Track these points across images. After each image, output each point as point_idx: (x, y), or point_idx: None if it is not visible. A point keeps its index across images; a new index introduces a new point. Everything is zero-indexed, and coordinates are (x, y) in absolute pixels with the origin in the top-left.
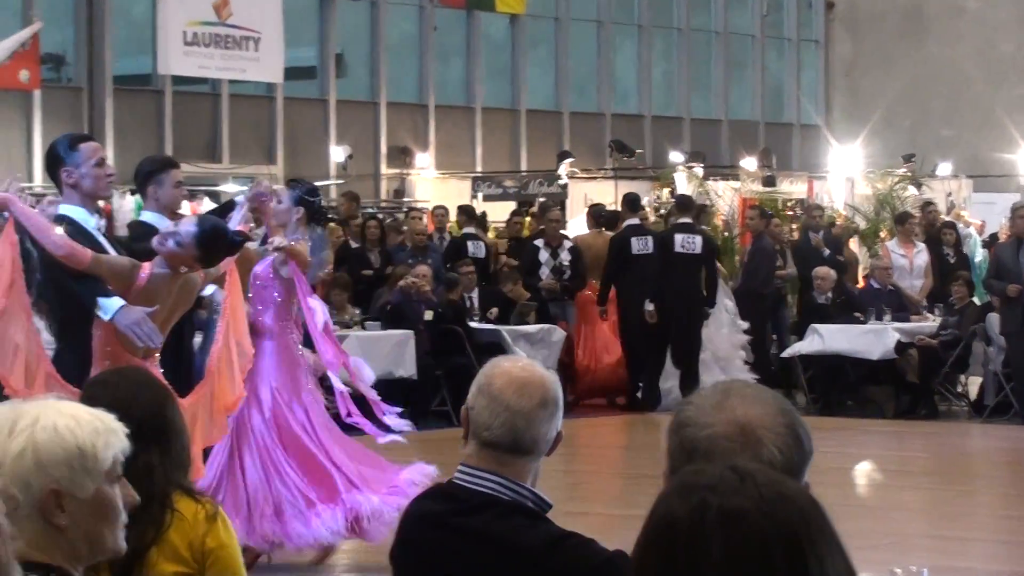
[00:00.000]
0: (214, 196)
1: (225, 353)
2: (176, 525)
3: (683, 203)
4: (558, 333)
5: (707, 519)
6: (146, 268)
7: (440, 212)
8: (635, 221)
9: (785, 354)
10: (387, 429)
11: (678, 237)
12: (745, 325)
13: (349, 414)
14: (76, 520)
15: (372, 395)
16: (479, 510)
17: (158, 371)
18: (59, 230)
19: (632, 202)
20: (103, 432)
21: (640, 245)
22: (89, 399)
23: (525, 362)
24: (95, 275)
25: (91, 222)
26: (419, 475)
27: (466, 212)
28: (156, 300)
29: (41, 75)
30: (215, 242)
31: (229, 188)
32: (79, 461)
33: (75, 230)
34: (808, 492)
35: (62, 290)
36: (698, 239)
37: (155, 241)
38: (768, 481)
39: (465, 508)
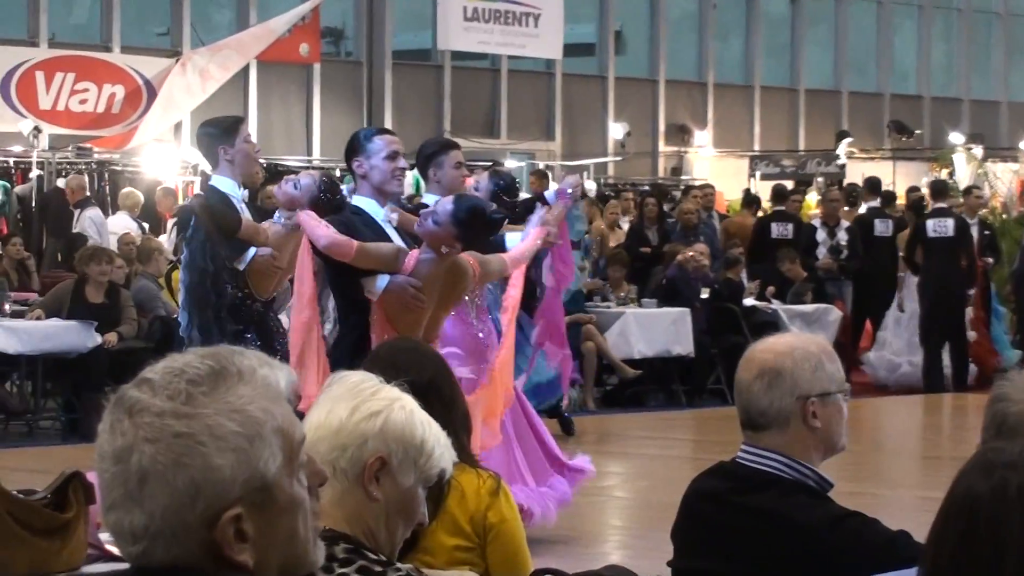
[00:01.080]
0: None
1: (507, 355)
2: (457, 498)
3: (938, 189)
4: (834, 313)
5: (1008, 496)
6: (413, 255)
7: (708, 192)
8: (875, 203)
9: None
10: None
11: (930, 223)
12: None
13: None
14: (387, 500)
15: None
16: (761, 488)
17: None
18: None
19: (873, 185)
20: (445, 445)
21: (882, 228)
22: (371, 361)
23: (777, 337)
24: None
25: (380, 214)
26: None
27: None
28: (425, 286)
29: (321, 49)
30: (473, 220)
31: (508, 164)
32: (416, 451)
33: (363, 221)
34: None
35: (340, 278)
36: (950, 222)
37: (417, 223)
38: None
39: (747, 487)
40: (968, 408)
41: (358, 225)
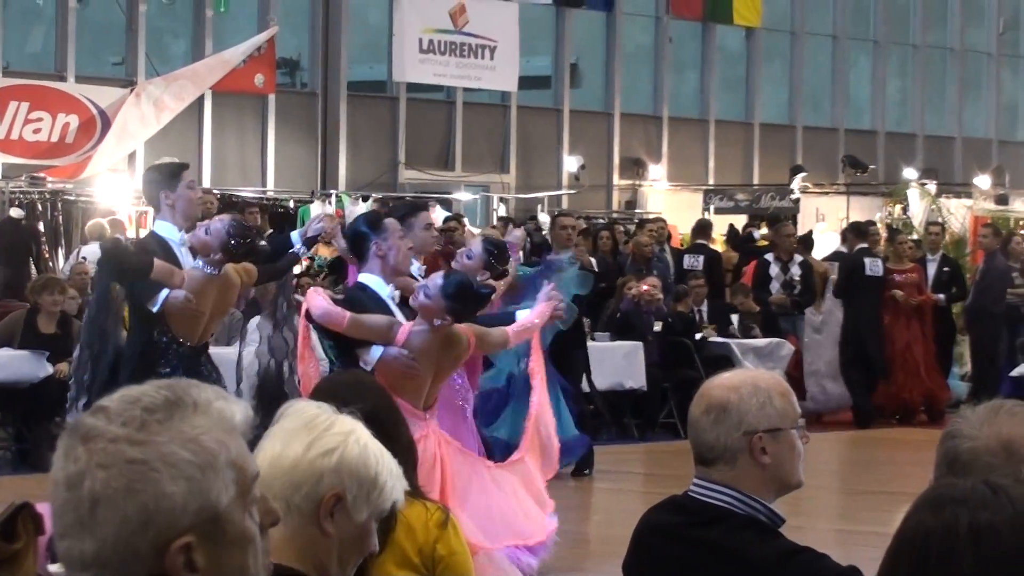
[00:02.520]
0: (446, 204)
1: (541, 411)
2: (405, 530)
3: (860, 230)
4: (787, 347)
5: (959, 534)
6: (406, 328)
7: (661, 225)
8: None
9: (1014, 373)
10: None
11: (867, 261)
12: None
13: None
14: (340, 537)
15: None
16: (712, 523)
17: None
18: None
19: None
20: (397, 476)
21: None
22: (313, 395)
23: (732, 373)
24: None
25: (386, 291)
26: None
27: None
28: (420, 356)
29: (276, 80)
30: (461, 295)
31: (461, 196)
32: (371, 486)
33: (368, 296)
34: None
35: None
36: (879, 263)
37: (411, 297)
38: (1021, 495)
39: (699, 521)
40: (905, 443)
41: (364, 300)
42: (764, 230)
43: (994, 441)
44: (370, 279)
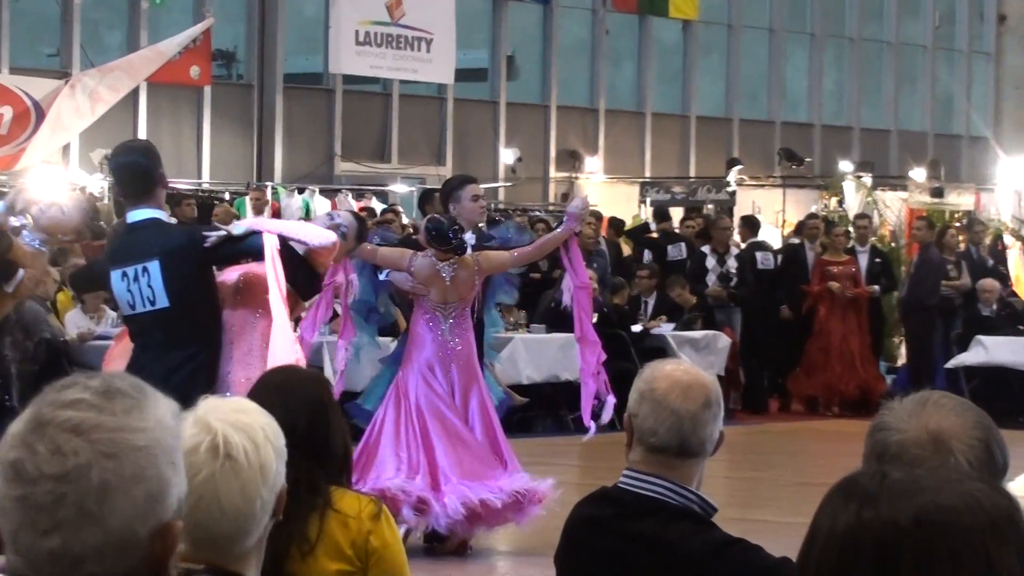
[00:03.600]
0: (382, 196)
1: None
2: (339, 523)
3: (752, 224)
4: (723, 340)
5: (841, 529)
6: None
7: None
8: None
9: (949, 365)
10: None
11: (759, 255)
12: None
13: None
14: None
15: None
16: (647, 515)
17: None
18: None
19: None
20: (275, 449)
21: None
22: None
23: (684, 365)
24: None
25: None
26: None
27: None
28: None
29: (212, 71)
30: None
31: (397, 188)
32: (280, 458)
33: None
34: (977, 500)
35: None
36: (770, 256)
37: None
38: (932, 487)
39: (632, 512)
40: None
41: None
42: (674, 221)
43: (922, 433)
44: None
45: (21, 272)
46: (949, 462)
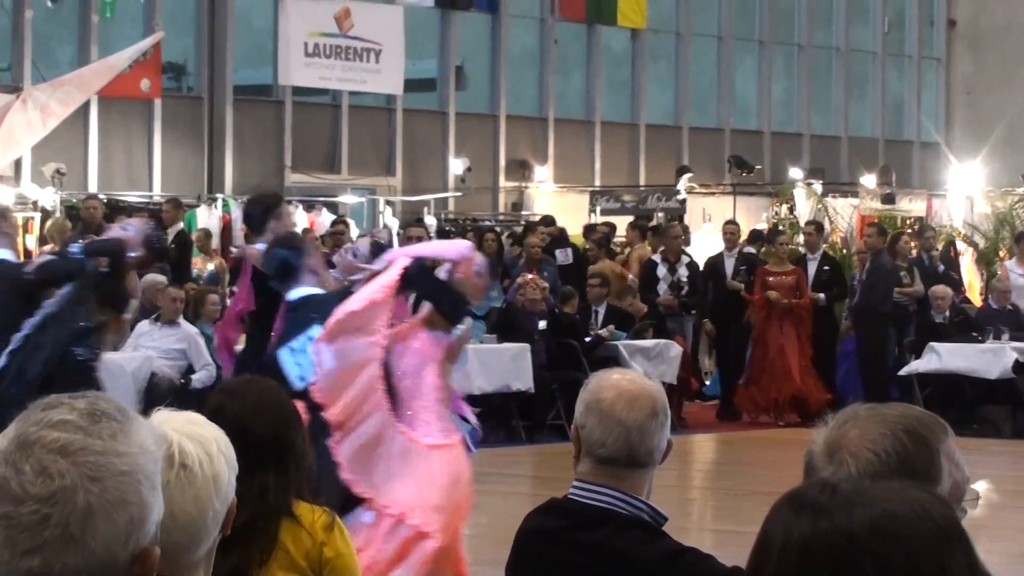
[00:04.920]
0: (332, 207)
1: None
2: (292, 534)
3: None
4: (675, 348)
5: (796, 540)
6: None
7: (552, 228)
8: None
9: (902, 372)
10: None
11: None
12: None
13: None
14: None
15: None
16: (597, 525)
17: None
18: None
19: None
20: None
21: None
22: (215, 409)
23: (630, 374)
24: None
25: None
26: None
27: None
28: None
29: (162, 84)
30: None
31: (347, 199)
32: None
33: None
34: (925, 508)
35: None
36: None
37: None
38: (881, 496)
39: (582, 523)
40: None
41: None
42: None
43: (824, 444)
44: None
45: (135, 300)
46: (840, 471)
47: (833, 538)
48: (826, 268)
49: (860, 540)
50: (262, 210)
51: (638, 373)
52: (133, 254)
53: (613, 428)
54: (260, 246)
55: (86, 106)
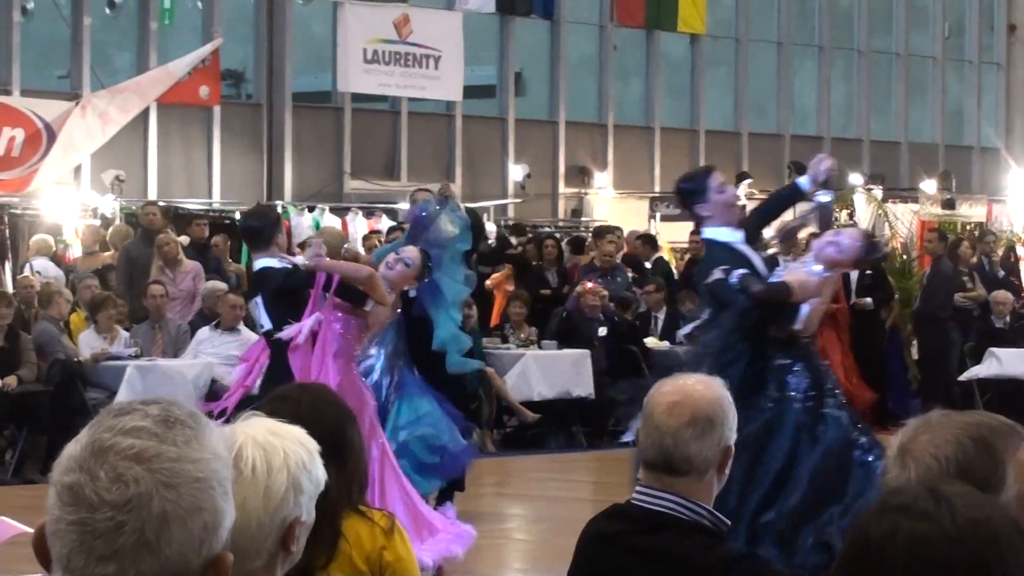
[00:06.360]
0: (391, 214)
1: None
2: (352, 540)
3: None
4: None
5: (896, 542)
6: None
7: (619, 235)
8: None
9: (962, 377)
10: None
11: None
12: None
13: None
14: (301, 543)
15: None
16: (658, 530)
17: None
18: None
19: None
20: (318, 458)
21: None
22: (272, 413)
23: (689, 381)
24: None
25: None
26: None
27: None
28: None
29: (221, 91)
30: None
31: (407, 206)
32: (316, 491)
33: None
34: (1010, 518)
35: None
36: None
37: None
38: (965, 505)
39: (643, 528)
40: None
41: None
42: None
43: (895, 448)
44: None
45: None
46: (902, 476)
47: (936, 541)
48: (868, 272)
49: (961, 542)
50: (271, 224)
51: (699, 380)
52: None
53: (651, 433)
54: (412, 249)
55: (145, 113)
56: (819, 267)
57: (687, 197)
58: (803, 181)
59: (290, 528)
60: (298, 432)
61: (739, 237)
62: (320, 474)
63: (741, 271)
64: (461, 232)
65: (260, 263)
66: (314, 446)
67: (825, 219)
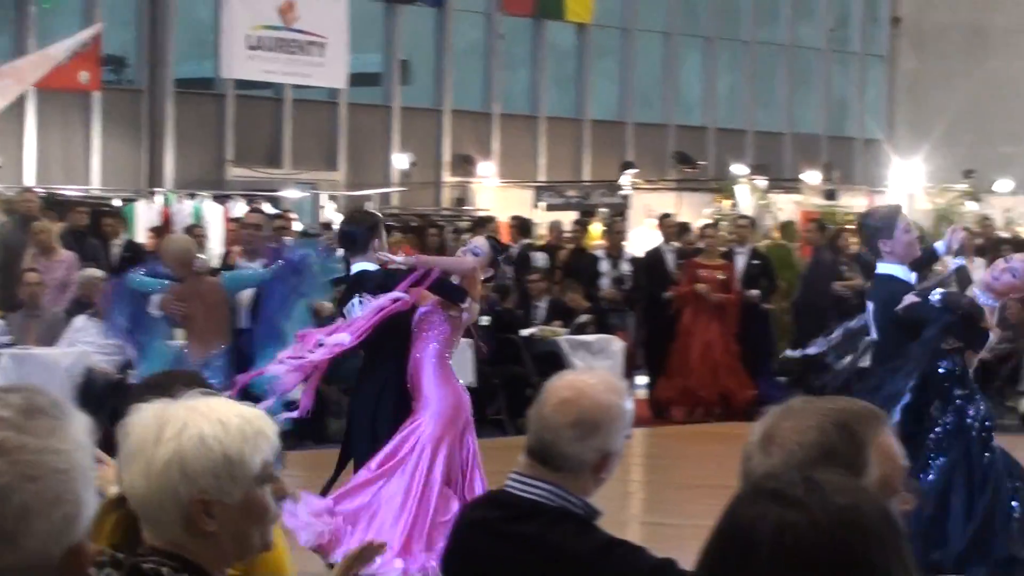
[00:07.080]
0: (275, 202)
1: None
2: None
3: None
4: (617, 343)
5: (764, 528)
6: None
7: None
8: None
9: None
10: None
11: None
12: None
13: None
14: (224, 524)
15: None
16: (529, 517)
17: None
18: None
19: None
20: (251, 437)
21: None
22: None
23: (591, 379)
24: None
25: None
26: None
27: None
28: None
29: (102, 77)
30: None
31: (290, 194)
32: (226, 469)
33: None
34: (882, 507)
35: None
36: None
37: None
38: (836, 492)
39: (515, 515)
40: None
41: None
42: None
43: (758, 435)
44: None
45: None
46: (768, 462)
47: (803, 528)
48: (755, 262)
49: (828, 531)
50: (367, 229)
51: (601, 378)
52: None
53: (536, 422)
54: (480, 239)
55: (23, 98)
56: (989, 296)
57: (873, 232)
58: (939, 246)
59: (194, 506)
60: (233, 409)
61: (913, 278)
62: (250, 453)
63: (942, 290)
64: (325, 285)
65: (357, 266)
66: (253, 427)
67: (964, 280)
